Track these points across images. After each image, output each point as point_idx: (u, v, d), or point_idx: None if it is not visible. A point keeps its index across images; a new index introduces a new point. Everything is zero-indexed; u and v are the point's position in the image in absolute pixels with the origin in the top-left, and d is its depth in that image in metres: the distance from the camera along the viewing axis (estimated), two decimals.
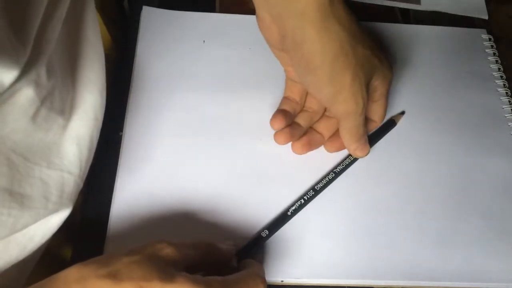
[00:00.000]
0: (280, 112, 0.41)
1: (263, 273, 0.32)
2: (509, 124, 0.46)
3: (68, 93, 0.31)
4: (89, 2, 0.34)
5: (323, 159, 0.41)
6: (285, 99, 0.42)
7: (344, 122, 0.39)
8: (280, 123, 0.40)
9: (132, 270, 0.27)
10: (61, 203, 0.31)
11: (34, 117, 0.27)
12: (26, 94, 0.26)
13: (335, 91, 0.36)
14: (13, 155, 0.27)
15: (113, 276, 0.26)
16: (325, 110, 0.42)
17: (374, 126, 0.43)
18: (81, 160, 0.32)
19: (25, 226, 0.29)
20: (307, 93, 0.42)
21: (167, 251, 0.29)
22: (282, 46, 0.37)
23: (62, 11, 0.28)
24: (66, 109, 0.31)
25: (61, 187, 0.31)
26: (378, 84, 0.39)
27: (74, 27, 0.32)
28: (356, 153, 0.41)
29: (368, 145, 0.41)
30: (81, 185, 0.33)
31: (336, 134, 0.41)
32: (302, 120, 0.42)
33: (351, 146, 0.40)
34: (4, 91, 0.23)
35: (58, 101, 0.29)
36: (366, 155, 0.41)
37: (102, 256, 0.29)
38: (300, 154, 0.41)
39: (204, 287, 0.27)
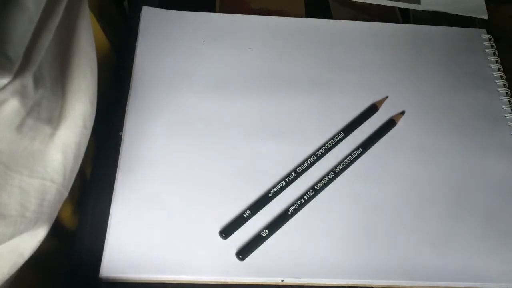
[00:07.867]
0: None
1: None
2: (509, 124, 0.46)
3: (58, 101, 0.30)
4: (83, 10, 0.33)
5: (320, 162, 0.42)
6: None
7: None
8: None
9: None
10: (41, 211, 0.30)
11: (19, 127, 0.26)
12: (11, 106, 0.25)
13: None
14: None
15: None
16: None
17: None
18: (66, 169, 0.31)
19: (4, 235, 0.28)
20: None
21: None
22: None
23: (55, 22, 0.28)
24: (54, 118, 0.30)
25: (41, 196, 0.30)
26: None
27: (66, 36, 0.32)
28: None
29: None
30: (66, 194, 0.32)
31: None
32: None
33: None
34: None
35: (46, 110, 0.28)
36: None
37: None
38: None
39: None
